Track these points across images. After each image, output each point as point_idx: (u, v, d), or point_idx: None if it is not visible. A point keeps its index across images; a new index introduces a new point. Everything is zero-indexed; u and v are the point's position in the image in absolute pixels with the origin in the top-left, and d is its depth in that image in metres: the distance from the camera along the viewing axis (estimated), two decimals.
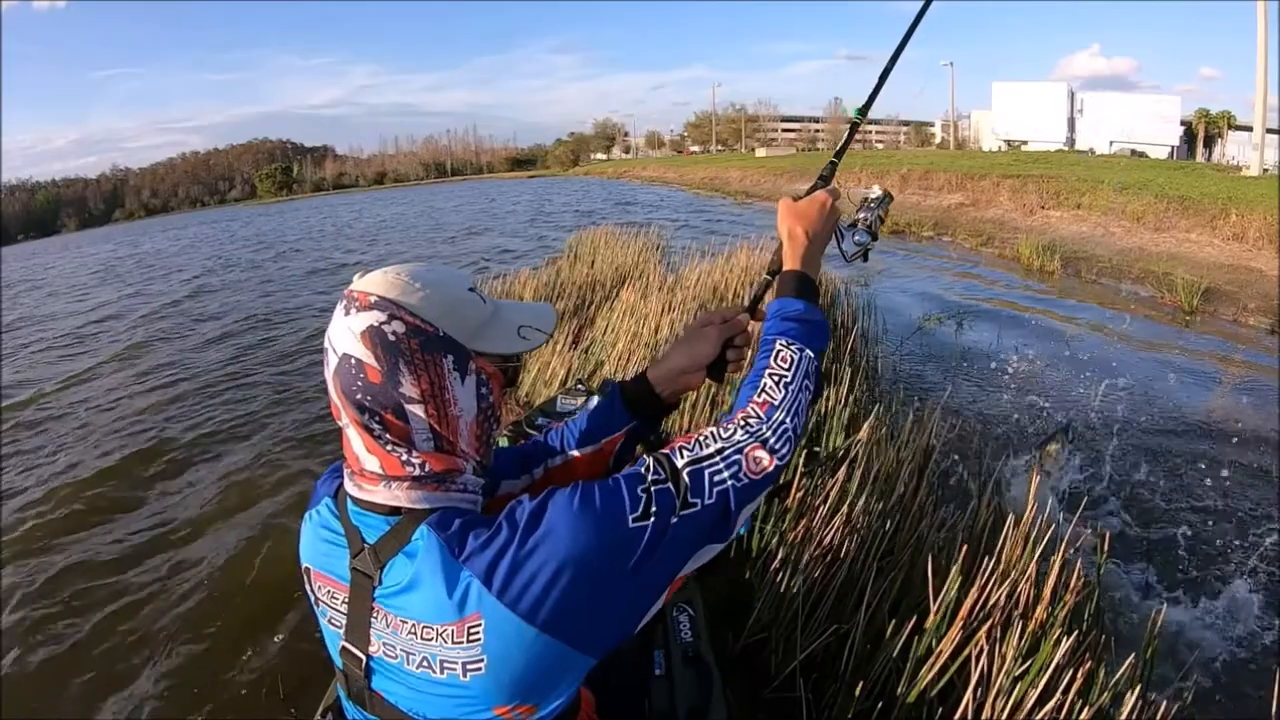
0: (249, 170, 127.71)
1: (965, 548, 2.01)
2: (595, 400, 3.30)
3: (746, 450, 0.93)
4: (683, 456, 0.92)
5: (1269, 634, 2.78)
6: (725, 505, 0.90)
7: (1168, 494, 3.83)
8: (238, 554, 3.75)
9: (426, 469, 0.90)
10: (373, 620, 0.90)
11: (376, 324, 0.87)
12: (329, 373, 0.91)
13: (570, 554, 0.81)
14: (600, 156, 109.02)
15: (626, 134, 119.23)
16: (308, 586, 1.02)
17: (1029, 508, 2.17)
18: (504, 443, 2.36)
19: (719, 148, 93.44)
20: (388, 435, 0.89)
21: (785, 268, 1.18)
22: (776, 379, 1.01)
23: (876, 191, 1.32)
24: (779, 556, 2.34)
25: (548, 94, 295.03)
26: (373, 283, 0.91)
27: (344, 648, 0.94)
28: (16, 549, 4.13)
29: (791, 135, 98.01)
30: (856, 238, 1.29)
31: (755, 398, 1.00)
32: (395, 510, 0.90)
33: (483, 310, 0.96)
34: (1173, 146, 46.96)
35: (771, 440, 0.95)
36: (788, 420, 0.98)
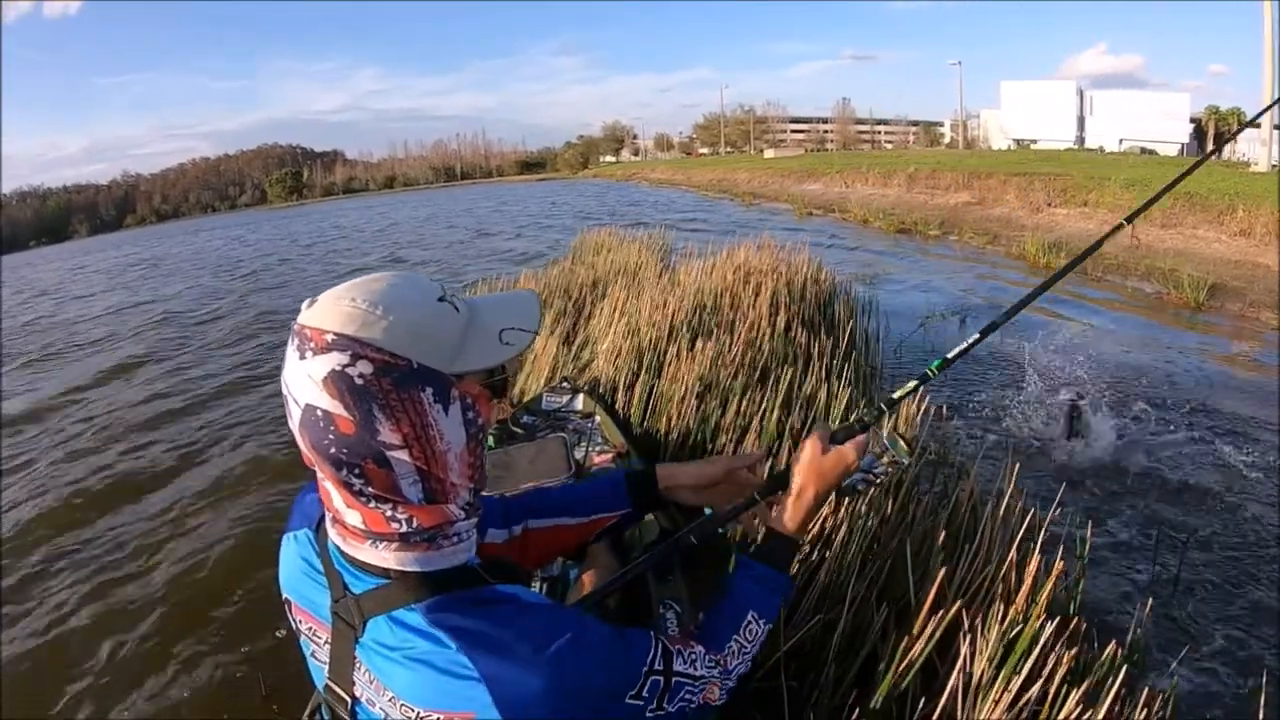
0: (259, 176, 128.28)
1: (945, 534, 2.01)
2: (580, 399, 3.32)
3: (710, 684, 1.03)
4: (679, 662, 0.97)
5: (1261, 629, 2.76)
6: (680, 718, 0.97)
7: (1165, 485, 3.81)
8: (234, 549, 3.80)
9: (415, 524, 0.84)
10: (355, 670, 0.86)
11: (339, 368, 0.76)
12: (294, 424, 0.80)
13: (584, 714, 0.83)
14: (609, 159, 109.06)
15: (635, 136, 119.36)
16: (290, 617, 0.99)
17: (1008, 493, 2.17)
18: (490, 441, 2.36)
19: (728, 149, 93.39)
20: (370, 489, 0.81)
21: (780, 526, 1.20)
22: (738, 648, 1.11)
23: (902, 451, 1.26)
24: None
25: (551, 97, 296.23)
26: (325, 315, 0.78)
27: (328, 685, 0.91)
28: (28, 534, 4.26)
29: (800, 136, 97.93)
30: (859, 485, 1.27)
31: (722, 649, 1.09)
32: (385, 572, 0.85)
33: (457, 322, 0.86)
34: (1183, 144, 46.76)
35: (720, 689, 1.06)
36: (732, 682, 1.09)
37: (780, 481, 1.25)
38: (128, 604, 3.44)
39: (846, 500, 2.25)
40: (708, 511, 1.38)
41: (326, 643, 0.91)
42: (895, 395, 1.35)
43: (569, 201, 32.76)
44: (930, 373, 1.36)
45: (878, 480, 1.26)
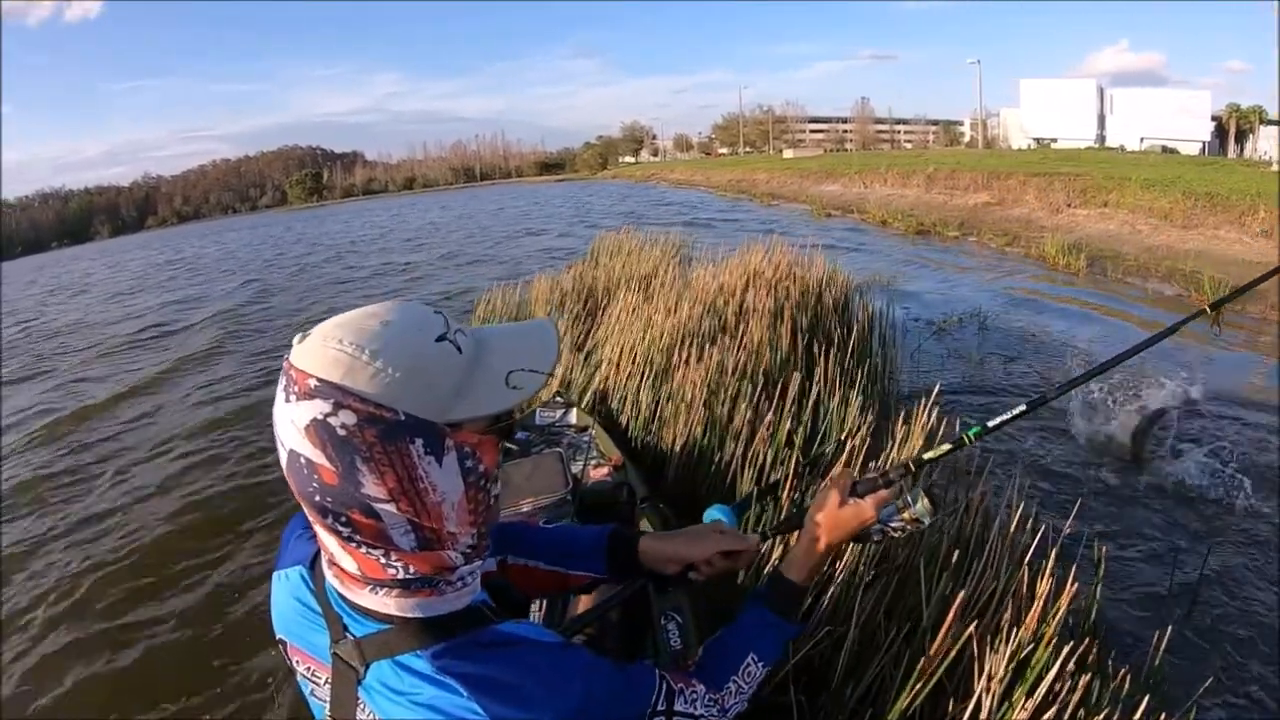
0: (280, 177, 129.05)
1: (954, 548, 1.98)
2: (574, 413, 3.31)
3: None
4: (680, 701, 0.99)
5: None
6: None
7: (1186, 495, 3.74)
8: (256, 557, 3.84)
9: (412, 571, 0.81)
10: (359, 711, 0.83)
11: (320, 417, 0.72)
12: (282, 464, 0.77)
13: None
14: (628, 159, 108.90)
15: (654, 137, 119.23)
16: (285, 656, 0.95)
17: (1017, 509, 2.13)
18: None
19: (746, 149, 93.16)
20: (359, 537, 0.77)
21: (790, 571, 1.19)
22: (735, 689, 1.10)
23: (924, 510, 1.21)
24: (770, 561, 2.30)
25: (568, 100, 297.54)
26: (311, 358, 0.74)
27: None
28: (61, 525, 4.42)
29: (819, 136, 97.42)
30: (874, 536, 1.24)
31: (720, 688, 1.09)
32: (388, 618, 0.82)
33: (457, 365, 0.79)
34: (1204, 142, 46.18)
35: None
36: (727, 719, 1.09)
37: (792, 523, 1.24)
38: (145, 607, 3.49)
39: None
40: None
41: (327, 682, 0.87)
42: (926, 456, 1.31)
43: (597, 202, 32.72)
44: (967, 439, 1.32)
45: (894, 534, 1.23)
